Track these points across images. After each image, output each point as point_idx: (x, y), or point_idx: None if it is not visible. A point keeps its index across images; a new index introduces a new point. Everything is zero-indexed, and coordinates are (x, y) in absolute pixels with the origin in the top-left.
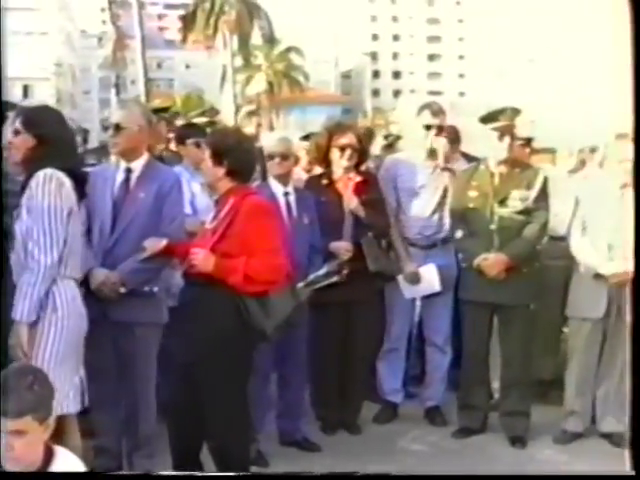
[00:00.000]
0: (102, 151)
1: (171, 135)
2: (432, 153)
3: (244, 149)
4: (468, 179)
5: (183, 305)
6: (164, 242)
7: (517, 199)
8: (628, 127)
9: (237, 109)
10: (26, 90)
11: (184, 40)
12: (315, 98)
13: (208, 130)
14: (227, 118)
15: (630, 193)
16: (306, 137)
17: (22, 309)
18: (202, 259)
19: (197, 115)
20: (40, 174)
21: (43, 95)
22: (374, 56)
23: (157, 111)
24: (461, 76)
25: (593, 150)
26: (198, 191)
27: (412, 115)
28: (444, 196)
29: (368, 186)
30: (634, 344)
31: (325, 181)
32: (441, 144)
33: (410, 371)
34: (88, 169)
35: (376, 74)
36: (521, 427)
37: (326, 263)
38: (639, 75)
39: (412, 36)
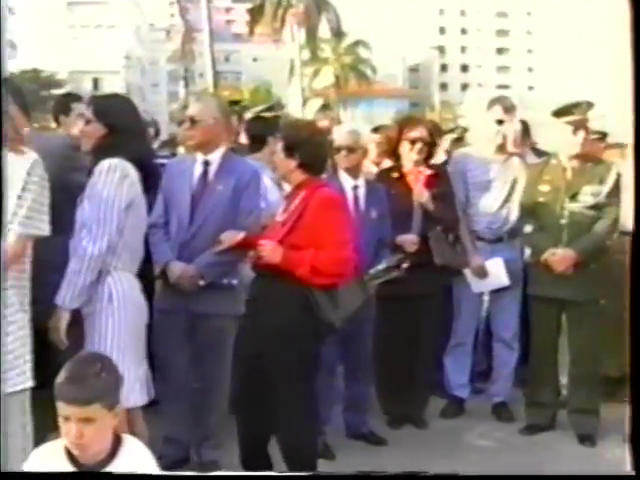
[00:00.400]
0: (171, 143)
1: (241, 128)
2: (502, 147)
3: (316, 142)
4: (539, 173)
5: (252, 297)
6: (241, 235)
7: (589, 194)
8: None
9: (304, 102)
10: (96, 83)
11: (251, 33)
12: (382, 92)
13: (277, 124)
14: (294, 111)
15: None
16: (375, 130)
17: (64, 295)
18: (270, 251)
19: (265, 109)
20: (105, 163)
21: (112, 88)
22: (442, 50)
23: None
24: (530, 70)
25: None
26: (270, 184)
27: (481, 109)
28: (512, 190)
29: (438, 180)
30: (633, 344)
31: (395, 174)
32: (511, 130)
33: (477, 366)
34: (161, 161)
35: (444, 68)
36: (590, 425)
37: (385, 258)
38: (639, 75)
39: (480, 29)
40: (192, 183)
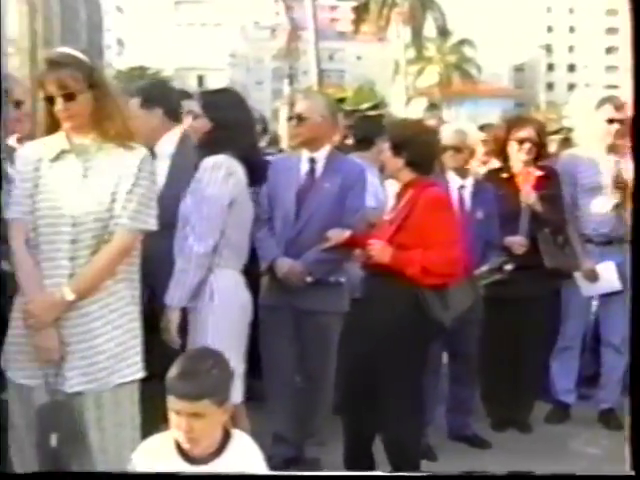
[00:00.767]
0: (274, 140)
1: (347, 126)
2: (612, 148)
3: (424, 141)
4: None
5: (362, 296)
6: (347, 233)
7: None
8: None
9: (408, 101)
10: (201, 80)
11: (356, 31)
12: (487, 91)
13: (381, 122)
14: (398, 110)
15: None
16: (481, 128)
17: (173, 295)
18: (379, 250)
19: (370, 108)
20: (210, 160)
21: (217, 85)
22: (549, 49)
23: None
24: None
25: None
26: (378, 183)
27: (589, 109)
28: (625, 192)
29: (548, 181)
30: (633, 344)
31: (504, 175)
32: (624, 129)
33: (584, 371)
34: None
35: (550, 67)
36: None
37: (489, 261)
38: (639, 74)
39: (588, 28)
40: (298, 180)
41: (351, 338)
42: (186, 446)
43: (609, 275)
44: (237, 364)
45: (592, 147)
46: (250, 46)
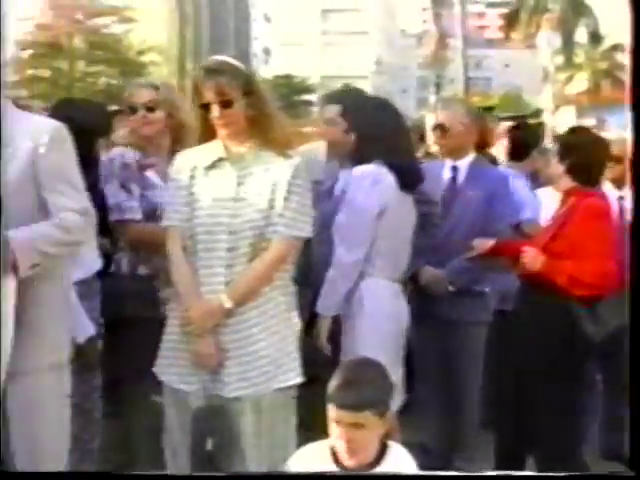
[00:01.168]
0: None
1: (497, 135)
2: None
3: (589, 148)
4: None
5: (516, 307)
6: (491, 242)
7: None
8: None
9: (555, 109)
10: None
11: (506, 38)
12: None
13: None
14: (546, 118)
15: None
16: None
17: (323, 303)
18: (531, 257)
19: (527, 116)
20: (358, 170)
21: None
22: None
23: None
24: None
25: None
26: (531, 194)
27: None
28: None
29: None
30: (633, 345)
31: None
32: None
33: None
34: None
35: None
36: None
37: None
38: (639, 74)
39: None
40: (441, 188)
41: (499, 351)
42: (344, 456)
43: None
44: (394, 375)
45: None
46: (396, 54)
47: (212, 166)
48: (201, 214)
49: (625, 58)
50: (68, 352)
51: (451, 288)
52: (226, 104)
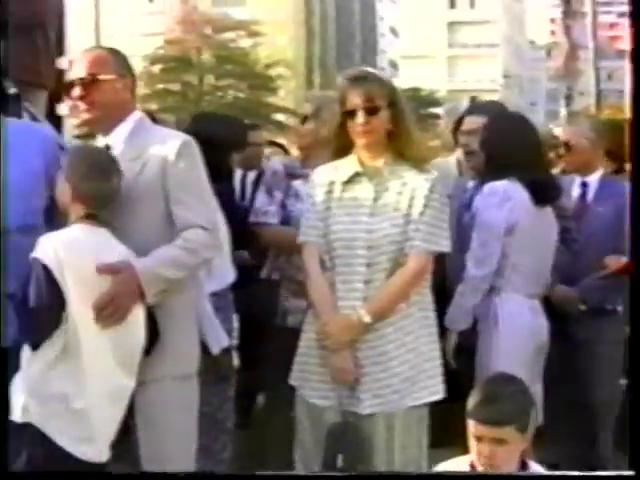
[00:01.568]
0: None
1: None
2: None
3: None
4: None
5: None
6: (625, 259)
7: None
8: None
9: None
10: (473, 101)
11: None
12: None
13: None
14: None
15: None
16: None
17: (450, 318)
18: None
19: None
20: (487, 187)
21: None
22: None
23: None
24: None
25: None
26: None
27: None
28: None
29: None
30: (633, 347)
31: None
32: None
33: None
34: None
35: None
36: None
37: None
38: (639, 74)
39: None
40: (572, 204)
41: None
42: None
43: None
44: (531, 389)
45: None
46: (524, 66)
47: (349, 181)
48: (338, 229)
49: None
50: (197, 364)
51: (583, 307)
52: (372, 111)
